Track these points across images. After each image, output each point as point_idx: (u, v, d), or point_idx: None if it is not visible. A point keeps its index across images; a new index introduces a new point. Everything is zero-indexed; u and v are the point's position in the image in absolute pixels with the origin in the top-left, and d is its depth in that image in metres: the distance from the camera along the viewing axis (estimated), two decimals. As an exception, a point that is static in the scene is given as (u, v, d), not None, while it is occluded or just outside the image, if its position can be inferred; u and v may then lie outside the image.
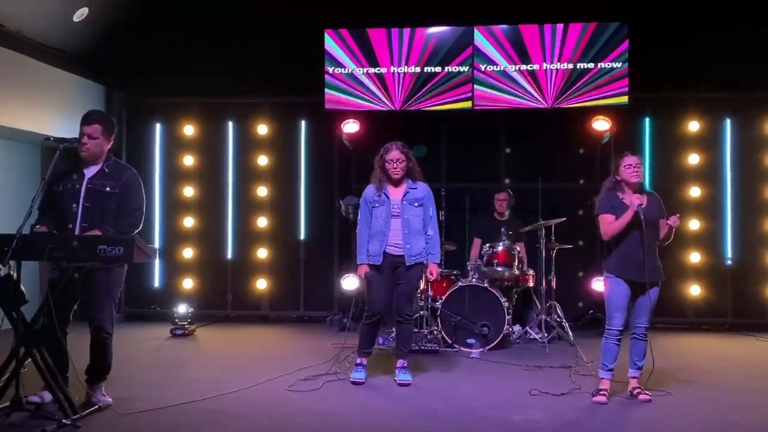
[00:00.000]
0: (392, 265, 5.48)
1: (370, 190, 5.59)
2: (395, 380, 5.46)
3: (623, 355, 5.06)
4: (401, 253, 5.44)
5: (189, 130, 9.14)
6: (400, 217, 5.45)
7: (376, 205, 5.51)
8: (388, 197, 5.49)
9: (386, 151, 5.50)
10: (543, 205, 7.97)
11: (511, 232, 7.49)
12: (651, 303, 4.96)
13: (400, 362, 5.54)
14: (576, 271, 8.58)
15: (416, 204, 5.49)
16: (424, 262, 5.51)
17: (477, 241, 7.93)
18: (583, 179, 8.73)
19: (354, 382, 5.37)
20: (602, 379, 5.02)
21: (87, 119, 4.62)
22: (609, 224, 4.95)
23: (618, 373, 5.15)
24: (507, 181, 8.95)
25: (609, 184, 5.10)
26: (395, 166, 5.45)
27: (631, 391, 5.00)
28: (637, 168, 4.98)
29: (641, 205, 4.87)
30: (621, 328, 4.97)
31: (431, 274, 5.55)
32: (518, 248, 7.47)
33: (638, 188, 5.03)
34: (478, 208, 8.32)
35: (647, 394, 4.93)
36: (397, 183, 5.52)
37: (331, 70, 8.61)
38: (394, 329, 5.91)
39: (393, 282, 5.50)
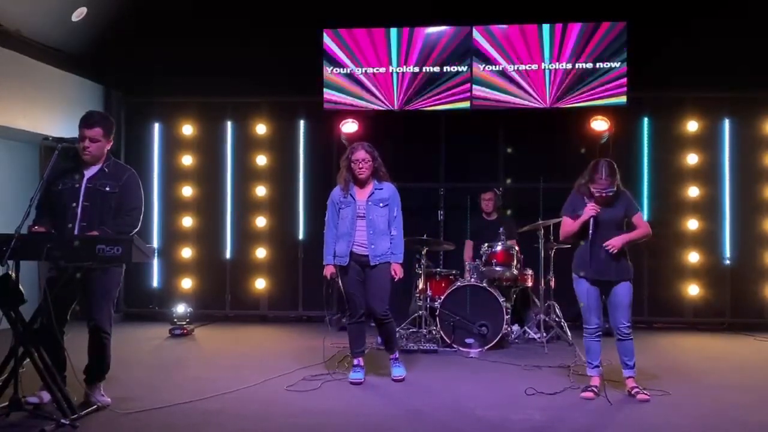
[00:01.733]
0: (359, 264, 5.50)
1: (336, 192, 5.62)
2: (390, 374, 5.54)
3: (615, 357, 5.11)
4: (366, 253, 5.47)
5: (188, 129, 9.13)
6: (365, 218, 5.49)
7: (343, 206, 5.54)
8: (354, 198, 5.52)
9: (352, 151, 5.53)
10: (542, 204, 7.97)
11: (501, 231, 7.47)
12: (624, 301, 4.99)
13: (392, 356, 5.62)
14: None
15: (381, 204, 5.51)
16: (390, 261, 5.50)
17: (468, 243, 7.94)
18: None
19: (352, 383, 5.38)
20: (591, 376, 5.10)
21: (87, 122, 4.60)
22: (563, 226, 5.12)
23: (616, 373, 5.17)
24: (508, 181, 8.97)
25: (579, 185, 5.12)
26: (361, 166, 5.47)
27: (629, 391, 5.02)
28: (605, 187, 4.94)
29: (594, 216, 4.91)
30: (596, 326, 5.04)
31: (395, 273, 5.52)
32: (516, 248, 7.46)
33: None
34: (477, 208, 8.32)
35: (646, 393, 4.94)
36: (362, 183, 5.54)
37: (329, 69, 8.60)
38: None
39: (363, 280, 5.51)
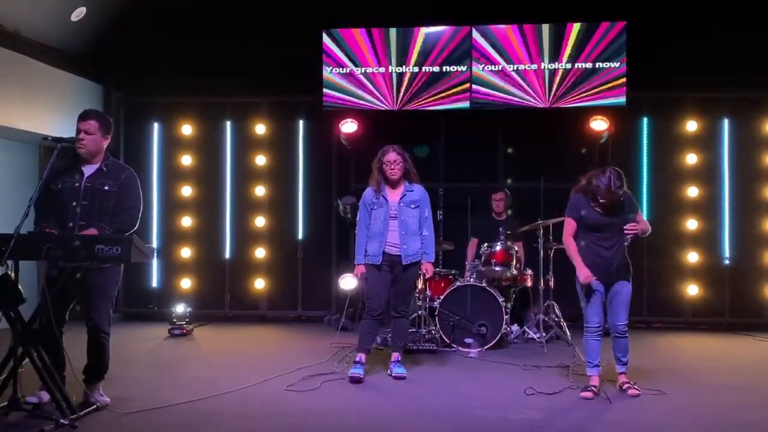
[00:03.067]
0: (390, 264, 5.64)
1: (368, 193, 5.76)
2: (390, 373, 5.59)
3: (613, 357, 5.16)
4: (398, 253, 5.62)
5: (187, 129, 9.13)
6: (397, 219, 5.63)
7: (375, 207, 5.68)
8: (386, 199, 5.66)
9: (383, 154, 5.69)
10: (542, 204, 7.98)
11: (509, 232, 7.48)
12: (625, 299, 5.06)
13: (394, 356, 5.71)
14: (574, 271, 8.55)
15: (413, 206, 5.67)
16: (420, 261, 5.70)
17: (474, 241, 7.94)
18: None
19: (352, 378, 5.39)
20: (590, 376, 5.13)
21: (83, 116, 4.65)
22: (568, 236, 5.16)
23: (614, 373, 5.19)
24: (509, 181, 8.96)
25: (582, 187, 5.10)
26: (392, 167, 5.62)
27: (621, 386, 5.10)
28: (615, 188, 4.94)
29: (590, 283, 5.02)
30: (597, 326, 5.08)
31: (426, 272, 5.77)
32: (516, 248, 7.46)
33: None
34: (477, 208, 8.32)
35: (636, 389, 5.01)
36: (394, 185, 5.69)
37: (329, 69, 8.60)
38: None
39: (391, 280, 5.66)
